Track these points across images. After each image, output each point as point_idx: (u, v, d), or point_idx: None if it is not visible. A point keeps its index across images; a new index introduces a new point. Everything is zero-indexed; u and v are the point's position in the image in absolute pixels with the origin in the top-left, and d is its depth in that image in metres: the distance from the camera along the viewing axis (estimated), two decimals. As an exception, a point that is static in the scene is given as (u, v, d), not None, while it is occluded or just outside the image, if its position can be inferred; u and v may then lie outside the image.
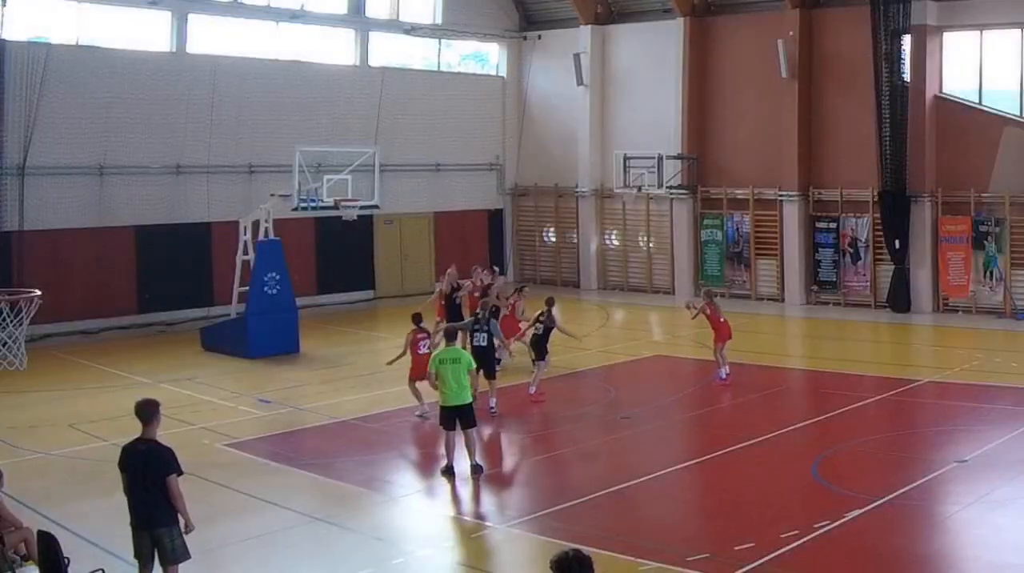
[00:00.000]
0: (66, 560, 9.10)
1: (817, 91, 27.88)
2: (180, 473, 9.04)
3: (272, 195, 23.27)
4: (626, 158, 29.66)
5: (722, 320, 18.98)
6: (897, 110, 25.83)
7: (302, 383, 19.57)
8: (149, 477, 8.94)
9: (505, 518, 12.11)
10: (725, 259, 29.58)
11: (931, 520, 11.76)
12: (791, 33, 27.49)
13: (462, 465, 13.47)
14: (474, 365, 13.80)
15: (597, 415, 17.16)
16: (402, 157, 30.13)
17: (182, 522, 9.07)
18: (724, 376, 18.66)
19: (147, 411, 9.14)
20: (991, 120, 25.56)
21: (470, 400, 13.50)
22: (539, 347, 17.97)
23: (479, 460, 13.52)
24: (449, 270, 21.25)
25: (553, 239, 33.49)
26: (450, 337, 14.05)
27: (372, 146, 25.86)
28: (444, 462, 13.55)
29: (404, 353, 16.66)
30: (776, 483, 13.31)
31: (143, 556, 9.10)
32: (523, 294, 20.98)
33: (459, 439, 13.51)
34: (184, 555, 9.08)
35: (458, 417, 13.44)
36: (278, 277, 22.54)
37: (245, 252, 23.21)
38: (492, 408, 16.56)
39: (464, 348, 15.44)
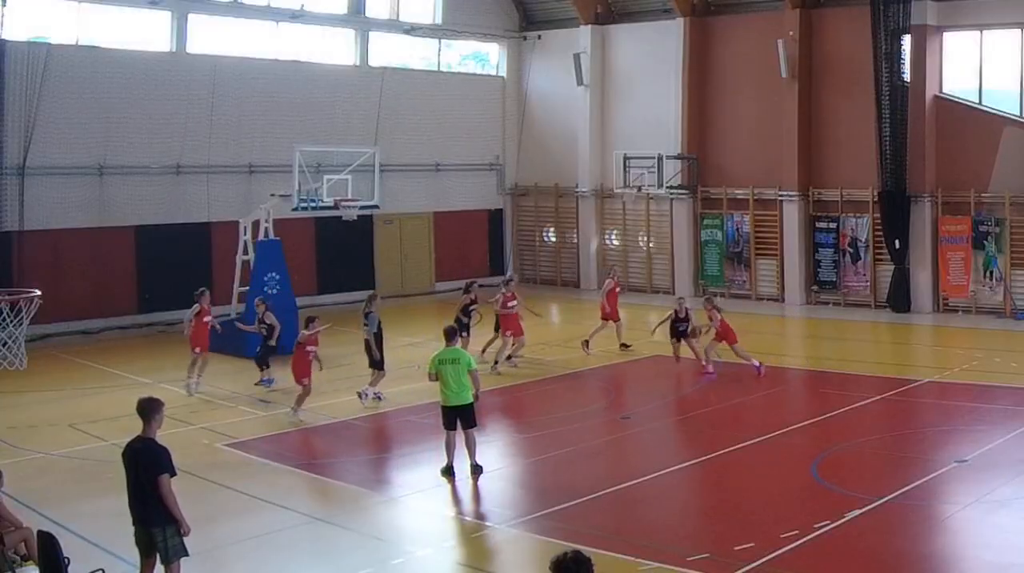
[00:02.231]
0: (66, 560, 9.10)
1: (817, 91, 27.89)
2: (173, 474, 9.02)
3: (272, 195, 23.29)
4: (626, 158, 29.66)
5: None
6: (897, 110, 25.82)
7: (302, 383, 19.56)
8: (142, 476, 8.96)
9: (505, 518, 12.10)
10: (725, 259, 29.58)
11: (931, 520, 11.76)
12: (791, 33, 27.50)
13: (462, 465, 13.46)
14: (475, 365, 13.75)
15: (597, 415, 17.16)
16: (402, 157, 30.15)
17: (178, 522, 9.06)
18: (759, 365, 19.42)
19: (147, 409, 9.15)
20: (991, 120, 25.56)
21: (471, 400, 13.47)
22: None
23: (479, 460, 13.52)
24: (508, 275, 23.26)
25: (553, 239, 33.49)
26: (449, 337, 13.99)
27: (372, 146, 25.89)
28: (444, 461, 13.53)
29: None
30: (776, 483, 13.31)
31: (141, 548, 9.14)
32: (509, 287, 21.43)
33: (459, 439, 13.51)
34: (180, 553, 9.05)
35: (459, 417, 13.42)
36: (278, 277, 22.54)
37: (245, 252, 23.22)
38: (378, 396, 17.78)
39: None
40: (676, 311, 20.32)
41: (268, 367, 19.12)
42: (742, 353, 19.56)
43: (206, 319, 18.73)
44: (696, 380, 19.80)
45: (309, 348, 16.72)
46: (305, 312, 24.28)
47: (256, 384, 19.00)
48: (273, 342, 19.08)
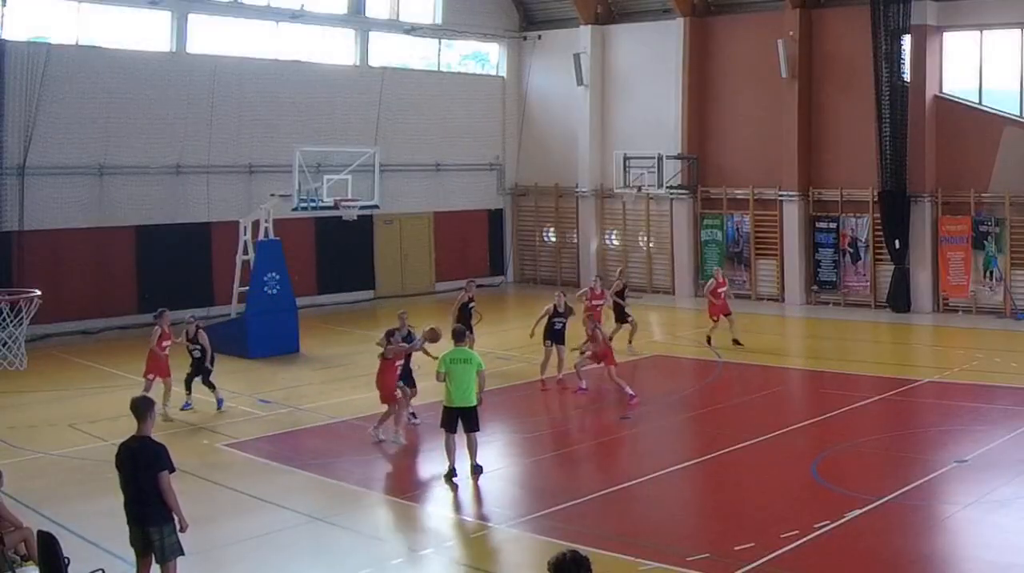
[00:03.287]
0: (66, 560, 9.10)
1: (817, 91, 27.88)
2: (172, 470, 9.05)
3: (272, 195, 23.29)
4: (626, 158, 29.66)
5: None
6: (897, 110, 25.82)
7: (302, 383, 19.58)
8: (141, 475, 8.96)
9: (505, 518, 12.10)
10: (725, 259, 29.55)
11: (931, 520, 11.76)
12: (791, 33, 27.50)
13: (461, 466, 13.42)
14: (484, 366, 13.66)
15: (597, 415, 17.15)
16: (402, 157, 30.15)
17: (176, 520, 9.08)
18: (584, 387, 18.13)
19: (140, 408, 9.18)
20: (991, 120, 25.55)
21: (475, 402, 13.29)
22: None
23: (479, 461, 13.47)
24: (621, 269, 23.45)
25: (553, 239, 33.49)
26: (459, 338, 13.81)
27: (372, 146, 25.88)
28: (447, 466, 13.38)
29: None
30: (776, 483, 13.31)
31: (136, 549, 9.16)
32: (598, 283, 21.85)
33: (459, 441, 13.43)
34: (176, 553, 9.07)
35: (462, 419, 13.24)
36: (278, 277, 22.54)
37: (245, 252, 23.22)
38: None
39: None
40: (555, 306, 18.82)
41: (191, 392, 17.33)
42: (615, 378, 17.69)
43: (165, 344, 16.99)
44: (696, 380, 19.80)
45: (399, 362, 15.45)
46: (305, 312, 24.54)
47: (181, 409, 17.15)
48: (208, 365, 17.40)
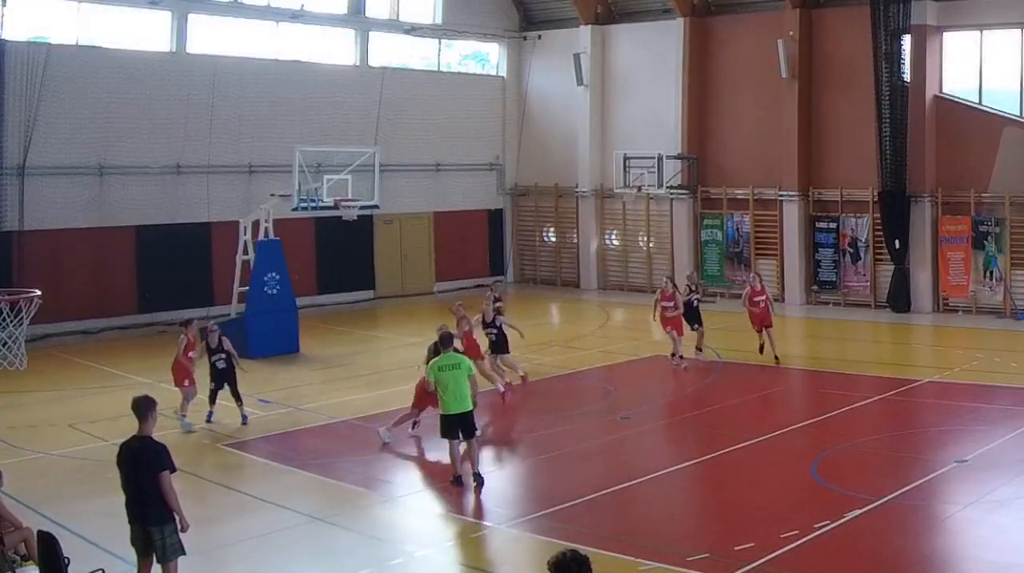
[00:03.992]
0: (66, 560, 9.10)
1: (817, 91, 27.88)
2: (173, 470, 9.06)
3: (272, 195, 23.29)
4: (626, 158, 29.68)
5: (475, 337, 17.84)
6: (897, 110, 25.82)
7: (302, 383, 19.57)
8: (142, 474, 8.97)
9: (505, 518, 12.10)
10: (725, 259, 29.58)
11: (931, 520, 11.75)
12: (791, 33, 27.50)
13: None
14: (474, 370, 13.54)
15: (597, 415, 17.15)
16: (402, 157, 30.15)
17: (177, 519, 9.08)
18: (503, 389, 17.58)
19: (142, 408, 9.17)
20: (991, 120, 25.55)
21: (471, 407, 13.10)
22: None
23: (480, 470, 13.19)
24: (689, 274, 22.88)
25: (553, 239, 33.49)
26: (447, 343, 13.50)
27: (372, 146, 25.89)
28: (453, 473, 13.22)
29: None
30: (776, 483, 13.31)
31: (137, 548, 9.18)
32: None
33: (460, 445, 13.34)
34: (177, 552, 9.08)
35: (459, 425, 13.04)
36: (278, 277, 22.54)
37: (245, 252, 23.22)
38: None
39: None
40: (483, 314, 18.06)
41: (215, 403, 16.63)
42: (480, 375, 16.72)
43: (191, 354, 16.50)
44: (696, 380, 19.78)
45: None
46: (305, 312, 24.51)
47: (207, 421, 16.48)
48: (236, 362, 16.73)
